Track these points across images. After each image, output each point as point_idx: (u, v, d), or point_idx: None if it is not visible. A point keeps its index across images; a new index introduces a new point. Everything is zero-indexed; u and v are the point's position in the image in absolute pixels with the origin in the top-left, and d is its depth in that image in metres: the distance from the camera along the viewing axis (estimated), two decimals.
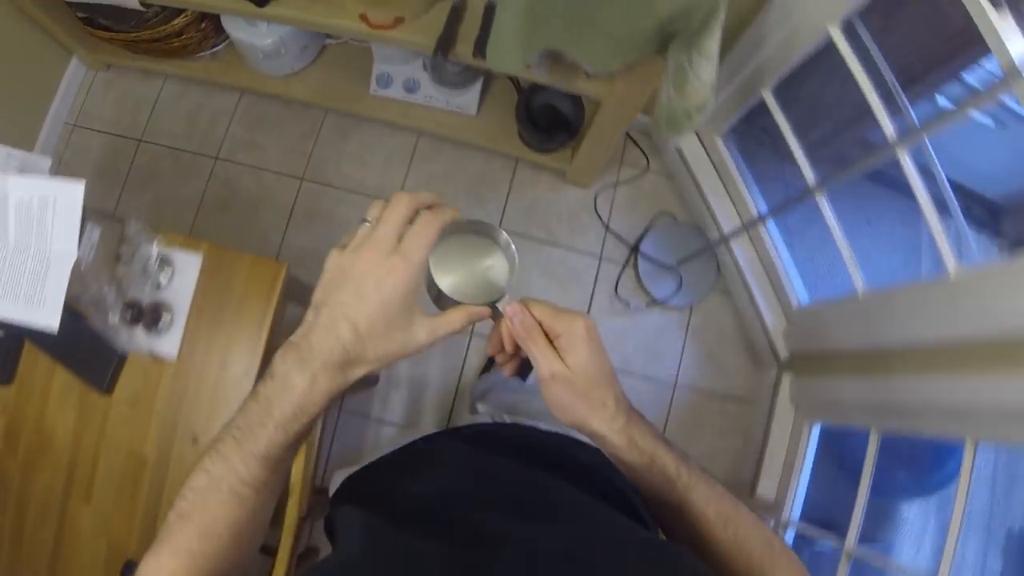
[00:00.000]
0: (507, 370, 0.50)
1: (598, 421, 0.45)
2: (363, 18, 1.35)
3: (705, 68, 1.01)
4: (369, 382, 1.65)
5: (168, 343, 1.07)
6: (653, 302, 1.75)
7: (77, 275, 1.00)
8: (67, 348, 1.04)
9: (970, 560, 1.21)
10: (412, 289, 0.42)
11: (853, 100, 1.26)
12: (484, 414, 0.95)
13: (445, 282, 0.45)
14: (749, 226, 1.61)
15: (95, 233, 1.05)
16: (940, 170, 1.22)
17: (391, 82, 1.70)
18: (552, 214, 1.78)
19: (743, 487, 1.69)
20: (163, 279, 1.08)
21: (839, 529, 1.35)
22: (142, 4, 1.49)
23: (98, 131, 1.88)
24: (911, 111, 1.23)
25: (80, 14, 1.67)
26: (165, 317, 1.07)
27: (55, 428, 1.05)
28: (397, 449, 0.67)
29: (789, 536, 1.54)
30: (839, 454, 1.67)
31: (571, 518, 0.45)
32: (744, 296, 1.75)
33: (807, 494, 1.60)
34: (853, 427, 1.49)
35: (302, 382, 0.41)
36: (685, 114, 1.08)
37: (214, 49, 1.77)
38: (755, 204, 1.69)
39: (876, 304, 1.43)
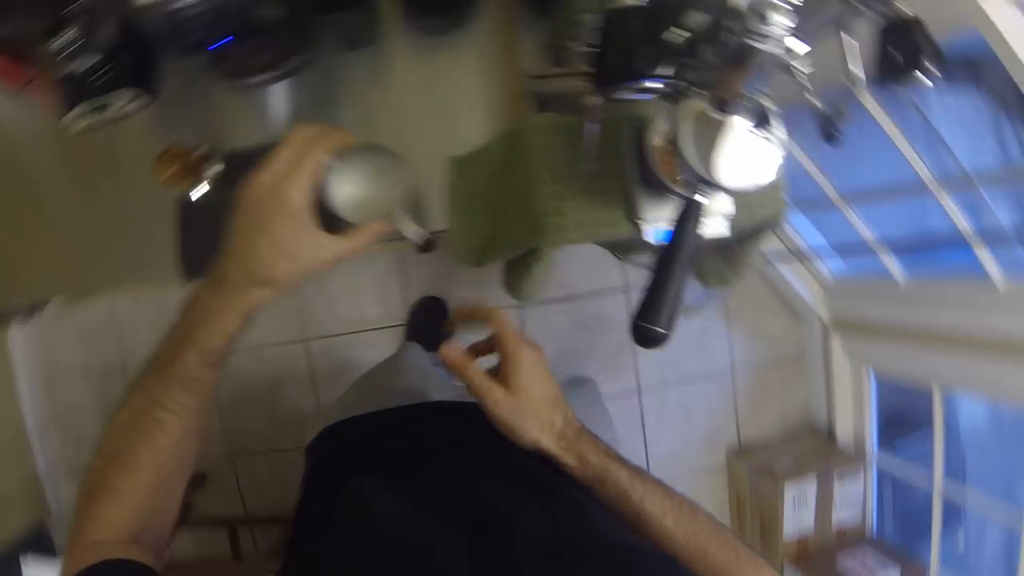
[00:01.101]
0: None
1: (547, 440, 0.49)
2: None
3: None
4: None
5: None
6: (688, 310, 1.73)
7: None
8: None
9: None
10: (299, 211, 0.44)
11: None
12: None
13: (345, 199, 0.47)
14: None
15: None
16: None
17: None
18: (567, 269, 1.70)
19: (820, 435, 1.81)
20: None
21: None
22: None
23: (78, 376, 1.74)
24: None
25: None
26: None
27: None
28: (388, 411, 0.67)
29: (872, 474, 1.68)
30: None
31: (567, 515, 0.45)
32: (776, 274, 1.72)
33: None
34: (911, 383, 1.55)
35: (217, 303, 0.46)
36: (735, 274, 1.01)
37: None
38: None
39: (917, 291, 1.41)
